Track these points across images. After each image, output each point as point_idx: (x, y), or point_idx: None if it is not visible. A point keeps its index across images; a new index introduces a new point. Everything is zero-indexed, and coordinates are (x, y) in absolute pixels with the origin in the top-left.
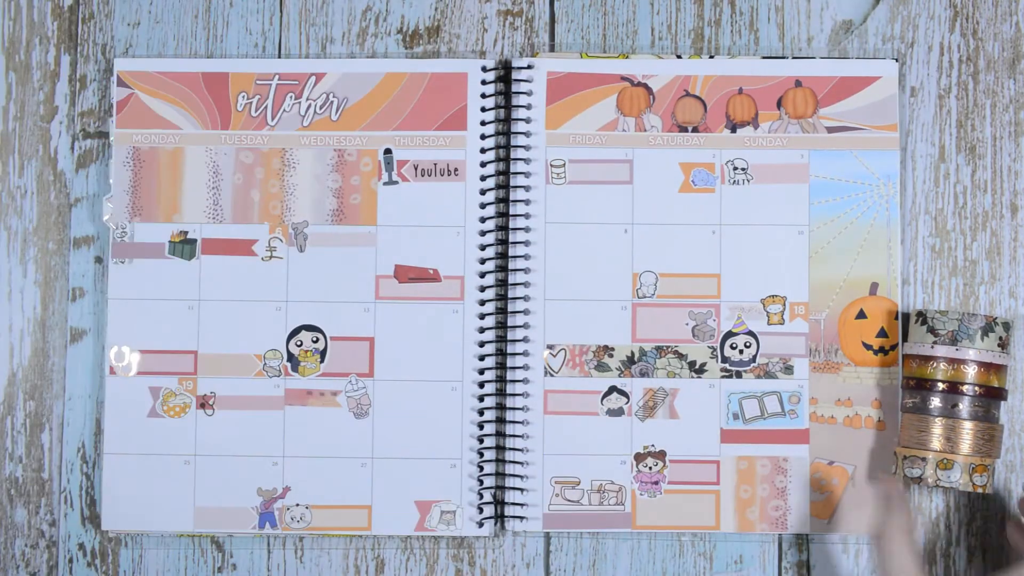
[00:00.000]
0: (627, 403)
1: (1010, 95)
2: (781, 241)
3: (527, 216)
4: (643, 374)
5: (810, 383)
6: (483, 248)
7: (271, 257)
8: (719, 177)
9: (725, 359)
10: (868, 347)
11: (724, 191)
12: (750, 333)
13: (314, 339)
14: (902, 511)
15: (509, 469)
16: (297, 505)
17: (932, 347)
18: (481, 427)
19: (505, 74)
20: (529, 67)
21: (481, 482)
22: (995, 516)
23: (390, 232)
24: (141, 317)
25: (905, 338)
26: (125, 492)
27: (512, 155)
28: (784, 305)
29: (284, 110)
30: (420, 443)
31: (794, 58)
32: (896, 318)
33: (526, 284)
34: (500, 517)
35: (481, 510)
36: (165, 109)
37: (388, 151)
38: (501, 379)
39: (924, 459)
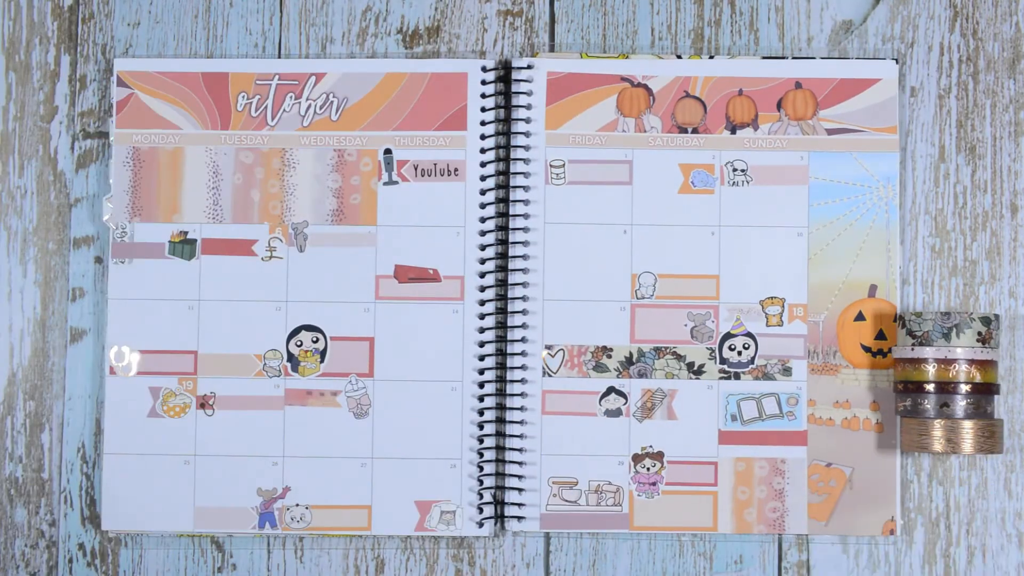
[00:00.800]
0: (625, 404)
1: (1010, 95)
2: (780, 243)
3: (526, 216)
4: (641, 375)
5: (808, 385)
6: (483, 248)
7: (271, 257)
8: (719, 178)
9: (723, 360)
10: (867, 349)
11: (723, 192)
12: (749, 334)
13: (314, 339)
14: None
15: (507, 469)
16: (297, 505)
17: (912, 349)
18: (481, 427)
19: (505, 74)
20: (529, 67)
21: (481, 482)
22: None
23: (390, 232)
24: (141, 317)
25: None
26: (125, 492)
27: (512, 155)
28: (783, 307)
29: (284, 110)
30: (420, 443)
31: (794, 59)
32: (895, 320)
33: (525, 284)
34: (500, 517)
35: (481, 510)
36: (165, 109)
37: (388, 151)
38: (501, 379)
39: None
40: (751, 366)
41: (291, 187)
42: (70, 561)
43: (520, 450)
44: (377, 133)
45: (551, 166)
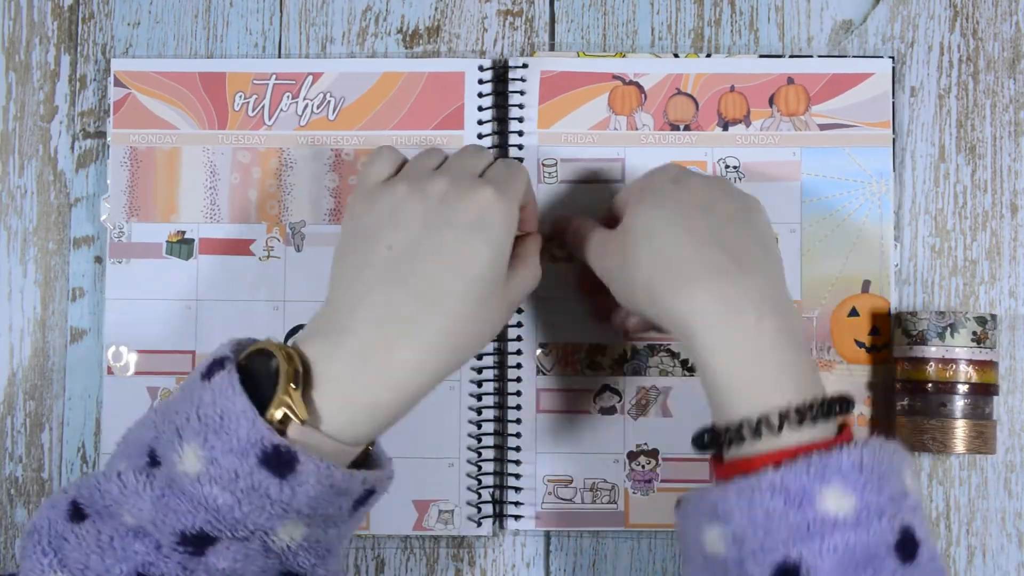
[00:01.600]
0: (619, 402)
1: (1010, 95)
2: None
3: None
4: (636, 373)
5: None
6: None
7: (269, 257)
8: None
9: None
10: (861, 345)
11: None
12: None
13: None
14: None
15: (504, 468)
16: None
17: (909, 348)
18: (479, 426)
19: (503, 74)
20: (524, 66)
21: (479, 481)
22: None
23: None
24: (139, 317)
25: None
26: None
27: (506, 154)
28: None
29: (281, 110)
30: (418, 442)
31: (789, 56)
32: (888, 316)
33: None
34: (497, 516)
35: (479, 509)
36: (162, 109)
37: None
38: (500, 378)
39: None
40: None
41: (288, 187)
42: None
43: (516, 448)
44: (374, 132)
45: (543, 165)
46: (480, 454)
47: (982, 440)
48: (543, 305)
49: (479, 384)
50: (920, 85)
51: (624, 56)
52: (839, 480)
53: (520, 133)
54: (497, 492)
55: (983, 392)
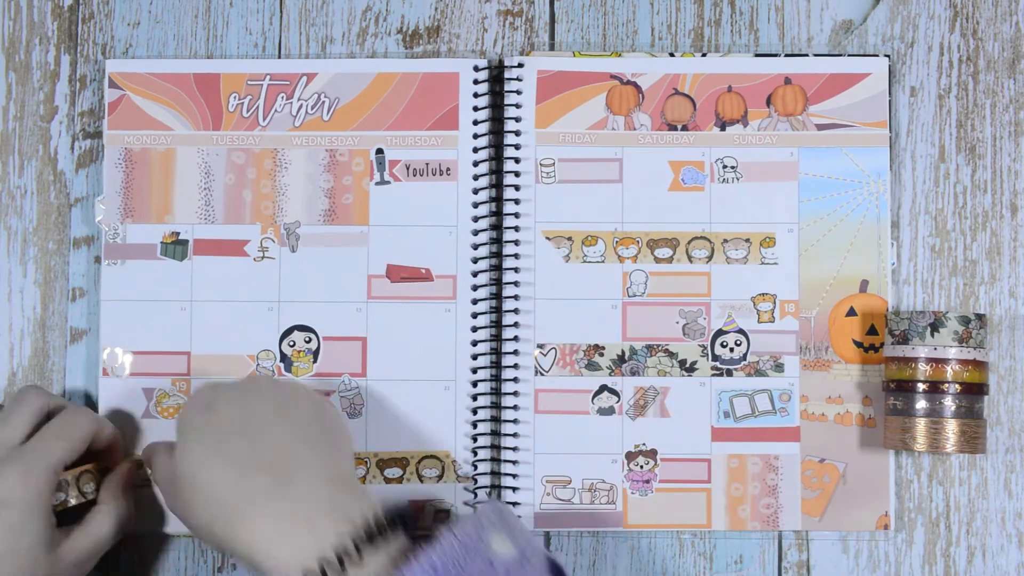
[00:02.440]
0: (618, 402)
1: (1010, 95)
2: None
3: (517, 216)
4: (634, 373)
5: (801, 381)
6: (475, 247)
7: (263, 257)
8: (708, 175)
9: (716, 357)
10: (858, 344)
11: (713, 189)
12: (740, 331)
13: (307, 339)
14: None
15: (502, 468)
16: None
17: (892, 347)
18: (475, 426)
19: (499, 73)
20: (520, 66)
21: (475, 481)
22: (992, 514)
23: (382, 232)
24: (134, 318)
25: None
26: None
27: (503, 154)
28: (774, 303)
29: (276, 110)
30: (414, 443)
31: (786, 55)
32: (886, 316)
33: (516, 283)
34: None
35: (475, 509)
36: (156, 110)
37: (380, 151)
38: (496, 378)
39: None
40: (743, 363)
41: (283, 187)
42: None
43: (514, 449)
44: (369, 133)
45: (541, 165)
46: (476, 454)
47: (976, 440)
48: (542, 305)
49: (475, 385)
50: (920, 85)
51: (620, 55)
52: None
53: (517, 133)
54: (494, 492)
55: (972, 392)
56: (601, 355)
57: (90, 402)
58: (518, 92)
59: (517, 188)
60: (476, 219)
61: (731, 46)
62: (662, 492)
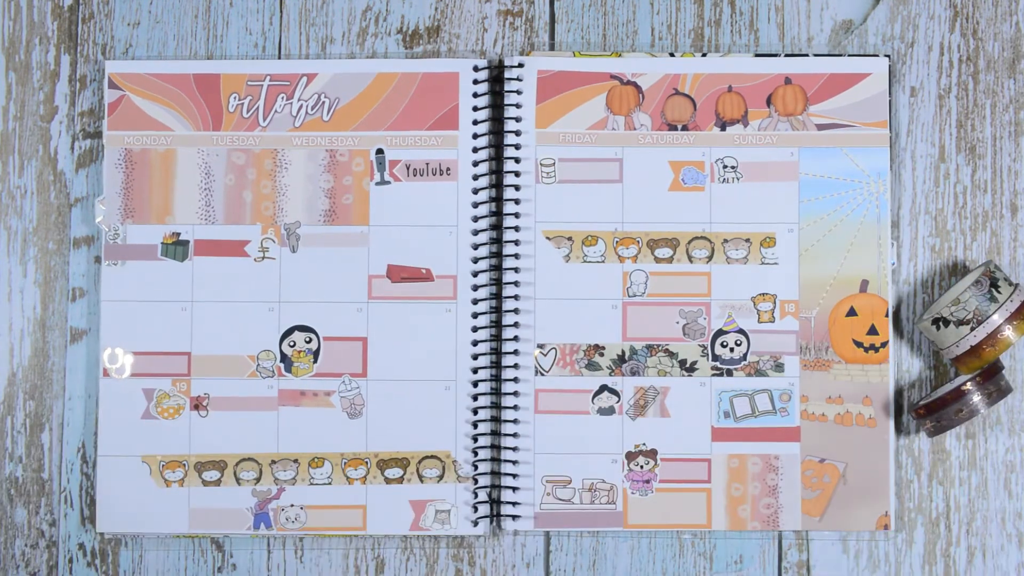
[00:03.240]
0: (618, 402)
1: (1010, 95)
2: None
3: (517, 216)
4: (634, 373)
5: (801, 381)
6: (475, 247)
7: (263, 258)
8: (709, 175)
9: (716, 357)
10: (859, 344)
11: (714, 189)
12: (741, 331)
13: (307, 339)
14: None
15: (502, 468)
16: (292, 505)
17: (974, 333)
18: (475, 426)
19: (499, 73)
20: (520, 66)
21: (476, 481)
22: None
23: (382, 232)
24: (134, 319)
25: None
26: (120, 493)
27: (503, 154)
28: (774, 303)
29: (276, 111)
30: (414, 443)
31: (786, 55)
32: (886, 315)
33: (517, 283)
34: (495, 516)
35: (476, 509)
36: (157, 111)
37: (380, 151)
38: (495, 378)
39: None
40: (743, 363)
41: (283, 188)
42: (70, 561)
43: (514, 449)
44: (369, 133)
45: (541, 165)
46: (477, 454)
47: None
48: (542, 305)
49: (475, 384)
50: (920, 85)
51: (620, 55)
52: None
53: (517, 133)
54: (495, 492)
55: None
56: (601, 355)
57: (90, 402)
58: (518, 92)
59: (517, 188)
60: (476, 219)
61: (731, 46)
62: (662, 492)
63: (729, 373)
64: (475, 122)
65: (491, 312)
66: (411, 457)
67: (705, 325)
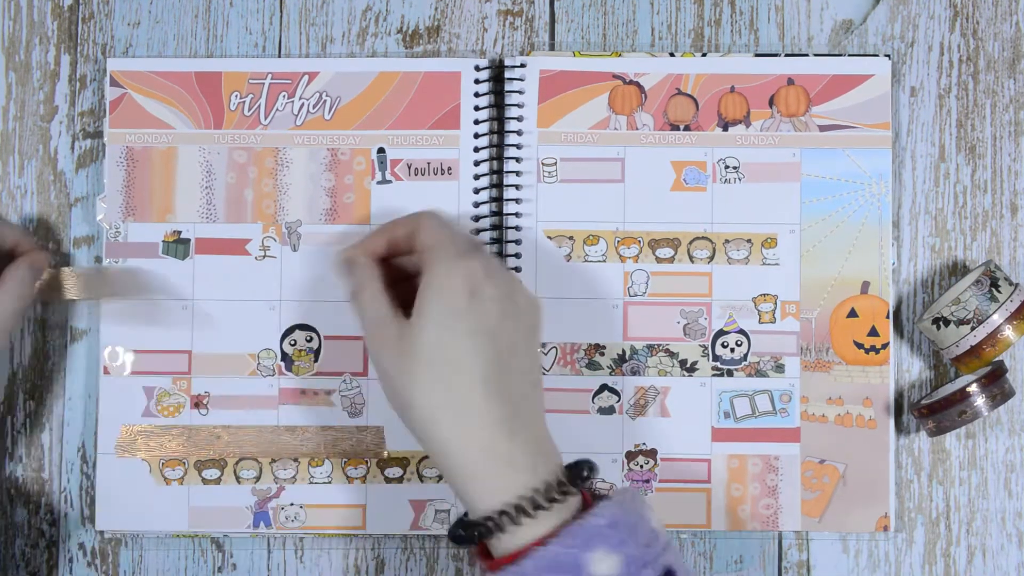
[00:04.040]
0: (618, 401)
1: (1010, 95)
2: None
3: (518, 215)
4: (634, 372)
5: (801, 381)
6: None
7: (265, 256)
8: (711, 175)
9: (716, 358)
10: (859, 346)
11: (716, 189)
12: (741, 332)
13: (308, 338)
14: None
15: None
16: (291, 504)
17: (973, 333)
18: None
19: (500, 73)
20: (522, 65)
21: None
22: (992, 514)
23: None
24: (135, 317)
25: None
26: (120, 492)
27: (504, 154)
28: (775, 304)
29: (277, 109)
30: (414, 442)
31: (787, 55)
32: (887, 317)
33: None
34: None
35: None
36: (158, 109)
37: (381, 150)
38: None
39: None
40: (744, 363)
41: (284, 186)
42: (70, 561)
43: None
44: (370, 132)
45: (543, 164)
46: None
47: None
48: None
49: None
50: (920, 85)
51: (621, 55)
52: (601, 543)
53: (519, 132)
54: None
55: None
56: (602, 354)
57: (90, 402)
58: (520, 92)
59: (518, 187)
60: (477, 218)
61: (731, 46)
62: (662, 492)
63: (730, 373)
64: (476, 121)
65: None
66: (411, 457)
67: (706, 325)
